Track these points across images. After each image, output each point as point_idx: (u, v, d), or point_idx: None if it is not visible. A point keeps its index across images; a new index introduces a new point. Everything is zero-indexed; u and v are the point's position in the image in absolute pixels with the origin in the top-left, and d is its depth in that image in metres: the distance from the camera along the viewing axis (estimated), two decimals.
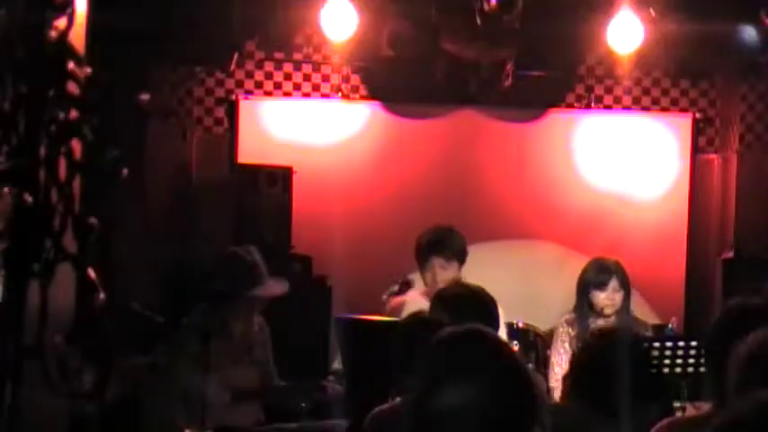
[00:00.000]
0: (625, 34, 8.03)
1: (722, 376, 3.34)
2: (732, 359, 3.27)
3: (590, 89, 9.37)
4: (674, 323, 6.51)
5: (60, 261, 2.36)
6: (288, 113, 9.05)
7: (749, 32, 7.84)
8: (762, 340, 3.26)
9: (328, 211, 8.85)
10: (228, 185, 8.59)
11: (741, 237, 8.83)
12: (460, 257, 6.67)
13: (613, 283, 6.30)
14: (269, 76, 9.22)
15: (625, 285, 6.35)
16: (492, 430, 2.49)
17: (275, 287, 6.36)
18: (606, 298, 6.30)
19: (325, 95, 9.21)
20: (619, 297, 6.33)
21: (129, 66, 6.66)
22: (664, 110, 9.42)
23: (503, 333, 6.07)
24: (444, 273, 6.60)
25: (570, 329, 6.51)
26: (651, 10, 7.85)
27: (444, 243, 6.69)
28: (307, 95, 9.21)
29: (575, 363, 4.49)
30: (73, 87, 2.39)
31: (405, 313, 6.22)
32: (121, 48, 6.58)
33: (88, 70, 2.42)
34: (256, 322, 6.38)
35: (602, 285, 6.29)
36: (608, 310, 6.31)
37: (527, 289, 8.44)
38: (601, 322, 6.31)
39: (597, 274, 6.35)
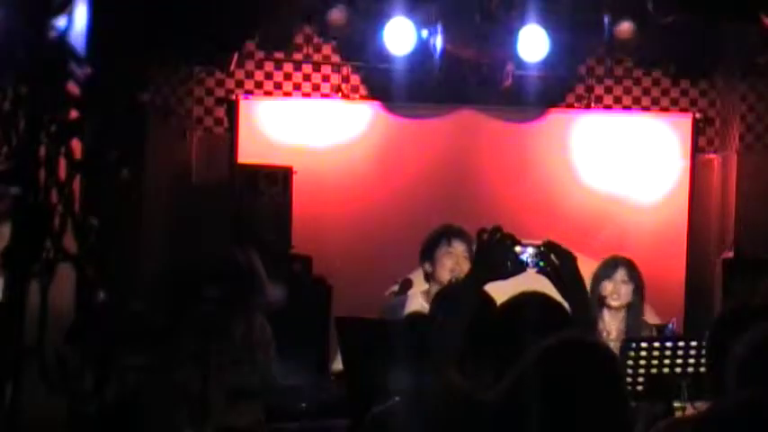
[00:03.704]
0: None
1: (722, 376, 3.34)
2: (731, 359, 3.28)
3: (590, 89, 9.36)
4: (674, 323, 6.54)
5: (60, 261, 2.36)
6: (288, 113, 9.05)
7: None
8: (761, 340, 3.26)
9: (328, 211, 8.85)
10: (228, 185, 8.59)
11: (741, 237, 8.82)
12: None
13: (620, 274, 6.40)
14: (269, 76, 9.22)
15: (634, 280, 6.42)
16: None
17: (274, 294, 6.36)
18: (613, 288, 6.39)
19: (325, 95, 9.20)
20: (625, 289, 6.40)
21: (129, 66, 6.66)
22: (664, 110, 9.42)
23: None
24: (466, 264, 6.30)
25: None
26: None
27: (466, 234, 6.47)
28: (307, 95, 9.21)
29: None
30: (73, 87, 2.39)
31: (404, 313, 6.23)
32: (121, 48, 6.58)
33: (88, 70, 2.41)
34: (258, 322, 6.37)
35: (609, 276, 6.40)
36: (614, 302, 6.37)
37: (527, 288, 8.40)
38: (608, 315, 6.37)
39: (605, 266, 6.47)
